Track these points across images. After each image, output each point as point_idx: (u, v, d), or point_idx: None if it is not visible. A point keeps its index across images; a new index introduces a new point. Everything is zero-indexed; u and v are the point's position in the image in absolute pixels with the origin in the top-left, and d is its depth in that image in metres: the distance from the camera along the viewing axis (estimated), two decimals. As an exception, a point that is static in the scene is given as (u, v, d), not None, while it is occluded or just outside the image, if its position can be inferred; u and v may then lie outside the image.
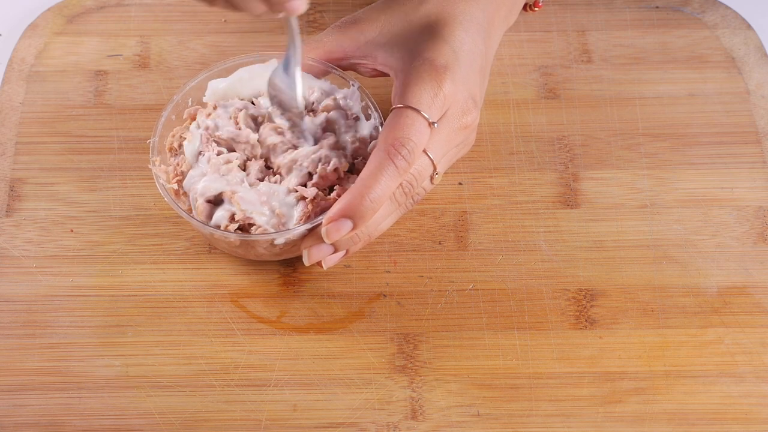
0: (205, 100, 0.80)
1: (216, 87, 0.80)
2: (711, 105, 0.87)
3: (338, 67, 0.80)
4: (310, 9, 0.92)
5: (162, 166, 0.78)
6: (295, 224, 0.74)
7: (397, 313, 0.78)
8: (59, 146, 0.85)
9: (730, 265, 0.80)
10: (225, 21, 0.91)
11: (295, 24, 0.72)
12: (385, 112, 0.76)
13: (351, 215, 0.72)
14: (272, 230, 0.74)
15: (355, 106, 0.79)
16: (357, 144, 0.78)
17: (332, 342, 0.77)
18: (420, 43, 0.76)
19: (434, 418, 0.74)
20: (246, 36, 0.90)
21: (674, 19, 0.92)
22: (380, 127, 0.78)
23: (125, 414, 0.74)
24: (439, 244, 0.81)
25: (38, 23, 0.91)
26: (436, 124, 0.74)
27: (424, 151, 0.74)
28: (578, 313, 0.78)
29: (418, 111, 0.73)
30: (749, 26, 0.91)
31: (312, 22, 0.91)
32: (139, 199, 0.82)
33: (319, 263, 0.75)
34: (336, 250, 0.75)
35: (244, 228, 0.75)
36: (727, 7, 0.92)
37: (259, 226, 0.75)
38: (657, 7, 0.92)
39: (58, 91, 0.88)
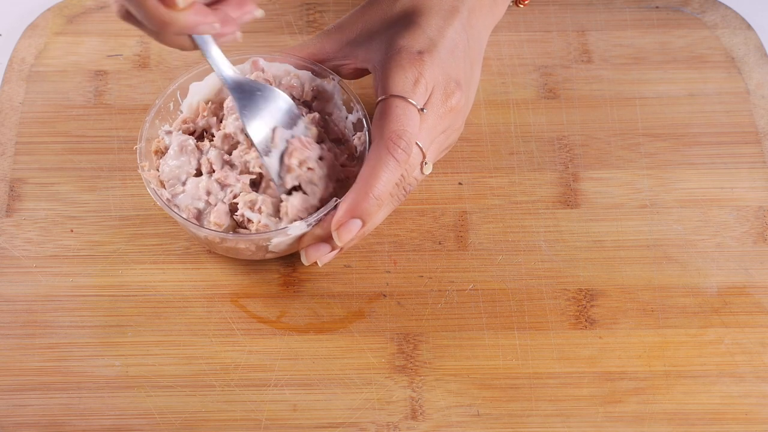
0: (185, 102, 0.80)
1: (198, 89, 0.81)
2: (711, 105, 0.87)
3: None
4: (310, 9, 0.92)
5: (152, 171, 0.78)
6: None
7: (397, 313, 0.78)
8: (59, 146, 0.85)
9: (730, 265, 0.80)
10: (225, 21, 0.91)
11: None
12: (368, 110, 0.76)
13: (359, 214, 0.72)
14: (272, 228, 0.75)
15: (338, 100, 0.80)
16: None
17: (332, 342, 0.77)
18: (396, 34, 0.77)
19: (434, 418, 0.74)
20: (245, 36, 0.90)
21: (674, 19, 0.92)
22: (364, 120, 0.78)
23: (125, 414, 0.74)
24: (439, 244, 0.81)
25: (38, 23, 0.91)
26: (425, 110, 0.74)
27: None
28: (578, 313, 0.78)
29: (405, 99, 0.73)
30: (749, 26, 0.91)
31: (312, 22, 0.91)
32: (139, 199, 0.82)
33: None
34: (332, 248, 0.75)
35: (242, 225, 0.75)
36: (727, 7, 0.92)
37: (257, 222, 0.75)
38: (657, 7, 0.92)
39: (58, 91, 0.88)
